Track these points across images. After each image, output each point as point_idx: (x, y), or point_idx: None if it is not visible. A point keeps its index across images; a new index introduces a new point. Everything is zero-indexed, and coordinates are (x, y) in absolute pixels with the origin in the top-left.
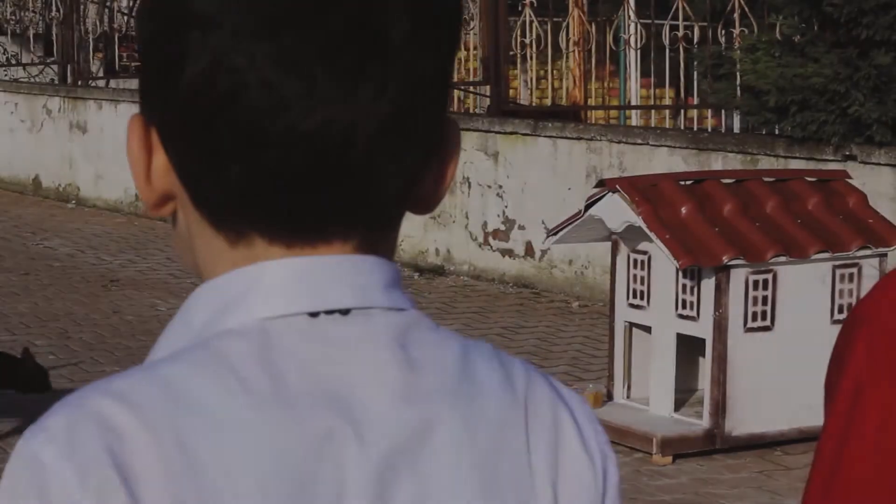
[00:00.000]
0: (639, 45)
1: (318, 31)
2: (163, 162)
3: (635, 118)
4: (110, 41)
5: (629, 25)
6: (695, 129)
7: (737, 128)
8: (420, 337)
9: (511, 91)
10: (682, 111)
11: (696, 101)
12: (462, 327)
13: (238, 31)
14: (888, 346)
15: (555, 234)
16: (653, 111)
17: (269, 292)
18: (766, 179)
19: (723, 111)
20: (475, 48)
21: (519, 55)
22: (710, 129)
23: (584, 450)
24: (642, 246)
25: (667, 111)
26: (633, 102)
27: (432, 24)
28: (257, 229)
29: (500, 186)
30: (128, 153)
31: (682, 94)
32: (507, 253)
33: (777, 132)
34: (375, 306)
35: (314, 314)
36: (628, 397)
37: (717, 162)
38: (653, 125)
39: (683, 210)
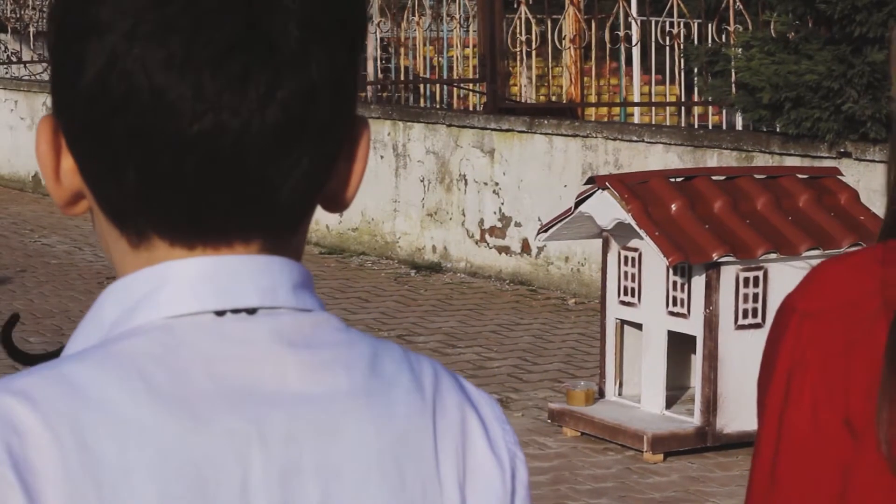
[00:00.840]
0: (635, 43)
1: (208, 38)
2: (71, 163)
3: (637, 115)
4: None
5: (629, 23)
6: (695, 125)
7: (739, 125)
8: (328, 338)
9: (514, 88)
10: (685, 108)
11: (697, 98)
12: (457, 324)
13: (130, 36)
14: (816, 334)
15: (545, 230)
16: (652, 108)
17: (176, 291)
18: (757, 176)
19: (723, 109)
20: (473, 46)
21: (520, 53)
22: (710, 126)
23: (491, 451)
24: (633, 243)
25: (667, 108)
26: (636, 99)
27: (326, 30)
28: (157, 232)
29: (497, 184)
30: (36, 153)
31: (682, 92)
32: (504, 250)
33: (776, 129)
34: (282, 306)
35: (220, 313)
36: (620, 395)
37: (713, 159)
38: (654, 122)
39: (673, 207)
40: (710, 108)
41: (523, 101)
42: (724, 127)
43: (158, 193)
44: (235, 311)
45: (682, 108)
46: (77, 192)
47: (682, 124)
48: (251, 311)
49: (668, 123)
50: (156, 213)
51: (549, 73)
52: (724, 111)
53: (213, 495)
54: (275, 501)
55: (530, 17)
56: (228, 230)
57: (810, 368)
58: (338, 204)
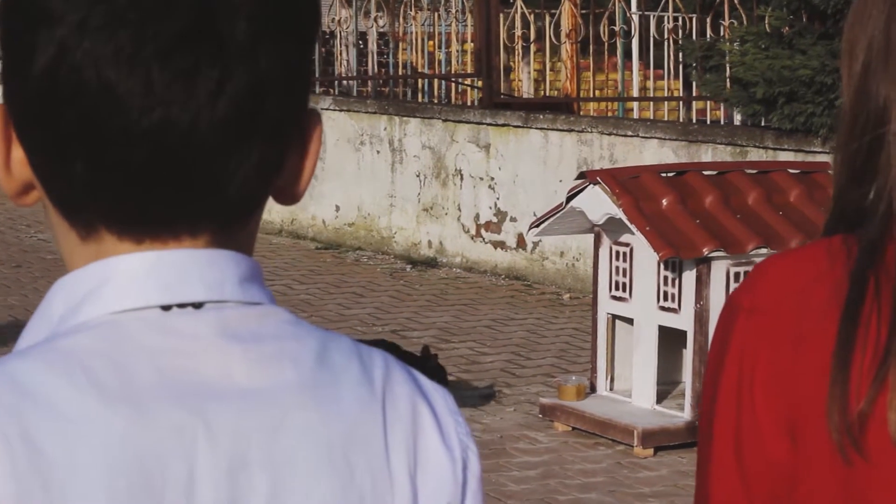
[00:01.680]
0: (630, 37)
1: (156, 32)
2: (22, 153)
3: (637, 111)
4: None
5: (630, 17)
6: (693, 120)
7: (738, 120)
8: (275, 331)
9: (517, 83)
10: (684, 103)
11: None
12: (451, 319)
13: (80, 29)
14: (764, 330)
15: (537, 225)
16: (651, 104)
17: (122, 286)
18: (748, 171)
19: (722, 104)
20: (472, 41)
21: (517, 48)
22: (708, 122)
23: (442, 442)
24: (624, 238)
25: (665, 104)
26: (635, 94)
27: (275, 24)
28: (105, 225)
29: (492, 178)
30: None
31: (682, 87)
32: (499, 245)
33: (771, 124)
34: (229, 300)
35: (166, 307)
36: (611, 389)
37: (707, 154)
38: (653, 117)
39: (664, 202)
40: (710, 103)
41: (525, 96)
42: (724, 122)
43: (107, 186)
44: (181, 306)
45: (681, 104)
46: (27, 182)
47: (682, 119)
48: (197, 306)
49: (668, 119)
50: (104, 206)
51: (546, 68)
52: (721, 106)
53: (160, 490)
54: (222, 495)
55: (526, 11)
56: (176, 223)
57: (759, 365)
58: (289, 197)
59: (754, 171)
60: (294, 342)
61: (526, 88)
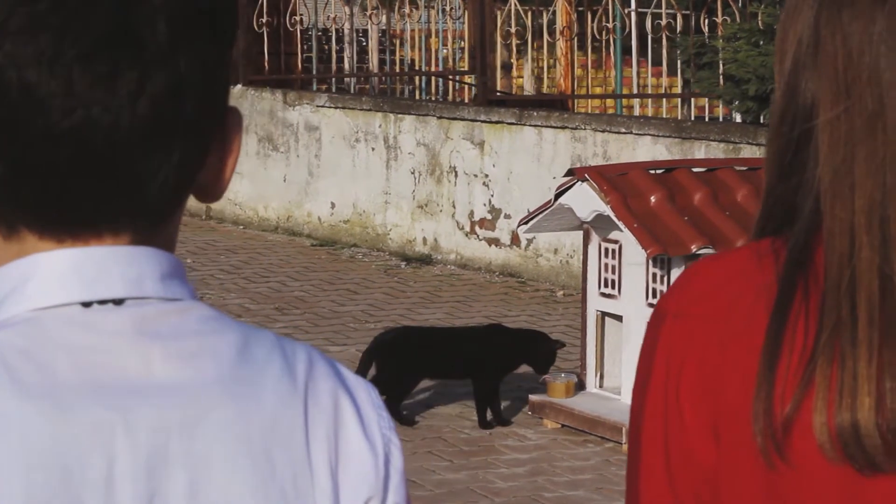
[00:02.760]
0: (623, 34)
1: (76, 34)
2: None
3: (637, 108)
4: None
5: (624, 14)
6: (691, 117)
7: (739, 118)
8: (196, 327)
9: (520, 80)
10: (682, 100)
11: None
12: (445, 316)
13: (1, 31)
14: (691, 335)
15: (526, 222)
16: (649, 100)
17: (43, 283)
18: (737, 168)
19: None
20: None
21: (512, 45)
22: (706, 119)
23: (364, 437)
24: (613, 235)
25: (664, 100)
26: (634, 91)
27: (194, 25)
28: (27, 224)
29: (487, 175)
30: None
31: (681, 84)
32: (494, 242)
33: (765, 121)
34: (150, 296)
35: (87, 304)
36: (601, 387)
37: (701, 151)
38: (654, 115)
39: (653, 199)
40: (709, 100)
41: (527, 93)
42: (724, 119)
43: (28, 186)
44: (102, 303)
45: (681, 100)
46: None
47: (682, 116)
48: (118, 302)
49: (665, 116)
50: (25, 206)
51: (544, 64)
52: (720, 104)
53: (79, 486)
54: (141, 491)
55: (519, 8)
56: (98, 223)
57: (686, 368)
58: (210, 195)
59: (743, 168)
60: (214, 337)
61: (528, 85)
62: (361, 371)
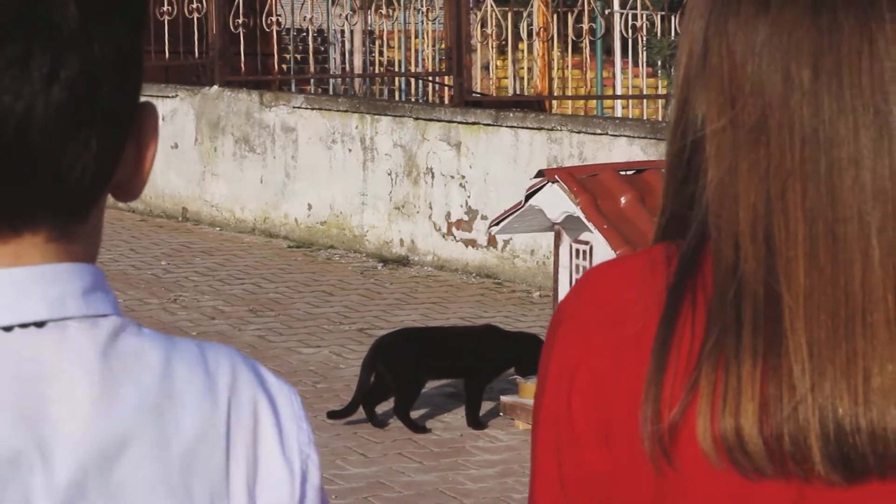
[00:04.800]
0: (599, 36)
1: None
2: None
3: (619, 109)
4: None
5: (606, 15)
6: (659, 119)
7: None
8: (119, 346)
9: (505, 81)
10: (667, 101)
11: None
12: (420, 318)
13: None
14: (585, 342)
15: (497, 223)
16: (630, 101)
17: None
18: None
19: None
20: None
21: (489, 45)
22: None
23: (282, 454)
24: (584, 236)
25: (643, 101)
26: (618, 92)
27: (106, 9)
28: None
29: (463, 177)
30: None
31: (667, 83)
32: (470, 243)
33: None
34: (71, 316)
35: (8, 328)
36: None
37: None
38: (638, 116)
39: (623, 200)
40: None
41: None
42: None
43: None
44: (24, 326)
45: (661, 102)
46: None
47: (662, 117)
48: (40, 325)
49: (638, 117)
50: None
51: (524, 65)
52: None
53: None
54: None
55: (496, 10)
56: (15, 217)
57: (578, 374)
58: (129, 192)
59: None
60: (136, 360)
61: (512, 86)
62: (363, 380)
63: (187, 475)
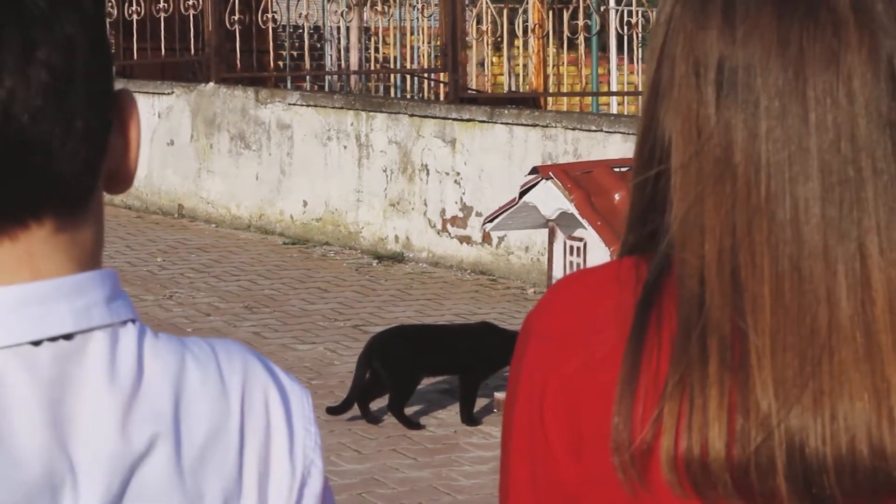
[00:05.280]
0: (594, 33)
1: None
2: None
3: (614, 106)
4: None
5: (602, 12)
6: None
7: None
8: (141, 353)
9: (500, 78)
10: None
11: None
12: (414, 315)
13: None
14: (553, 357)
15: (491, 220)
16: (625, 98)
17: None
18: None
19: None
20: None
21: (487, 42)
22: None
23: (288, 455)
24: (578, 233)
25: (626, 97)
26: (614, 89)
27: None
28: None
29: (458, 173)
30: None
31: None
32: (465, 240)
33: None
34: (97, 326)
35: (37, 343)
36: None
37: None
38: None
39: (617, 196)
40: None
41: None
42: None
43: None
44: (52, 340)
45: None
46: None
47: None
48: (68, 337)
49: (632, 114)
50: None
51: (520, 61)
52: None
53: None
54: None
55: (491, 6)
56: (18, 207)
57: (548, 389)
58: (120, 181)
59: None
60: (155, 366)
61: (508, 83)
62: (358, 377)
63: (201, 477)
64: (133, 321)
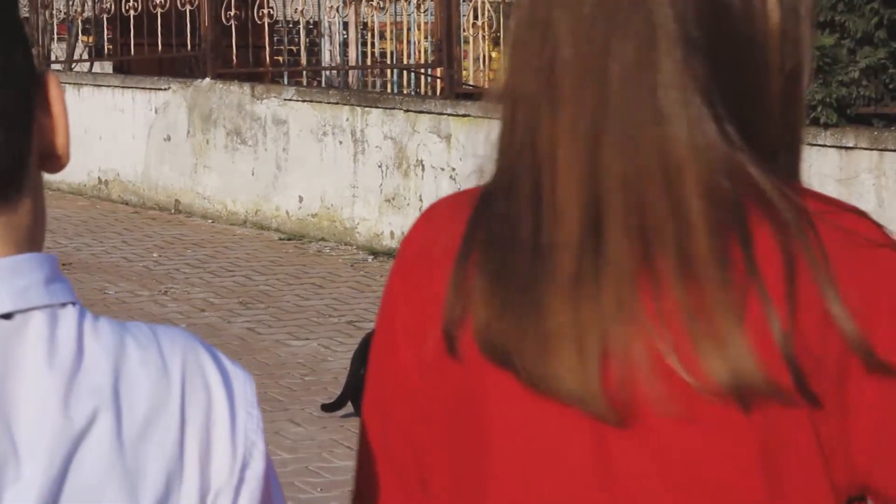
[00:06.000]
0: None
1: None
2: None
3: None
4: (72, 26)
5: None
6: None
7: None
8: (81, 334)
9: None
10: None
11: None
12: None
13: None
14: (407, 273)
15: None
16: None
17: None
18: None
19: None
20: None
21: (482, 37)
22: None
23: (230, 436)
24: None
25: None
26: None
27: None
28: None
29: (454, 169)
30: None
31: None
32: None
33: None
34: (35, 306)
35: None
36: None
37: None
38: None
39: None
40: None
41: (474, 85)
42: None
43: None
44: None
45: None
46: None
47: None
48: (7, 317)
49: None
50: None
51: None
52: None
53: None
54: None
55: (487, 1)
56: None
57: (399, 304)
58: (55, 158)
59: None
60: (94, 346)
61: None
62: (353, 373)
63: (142, 454)
64: (73, 304)
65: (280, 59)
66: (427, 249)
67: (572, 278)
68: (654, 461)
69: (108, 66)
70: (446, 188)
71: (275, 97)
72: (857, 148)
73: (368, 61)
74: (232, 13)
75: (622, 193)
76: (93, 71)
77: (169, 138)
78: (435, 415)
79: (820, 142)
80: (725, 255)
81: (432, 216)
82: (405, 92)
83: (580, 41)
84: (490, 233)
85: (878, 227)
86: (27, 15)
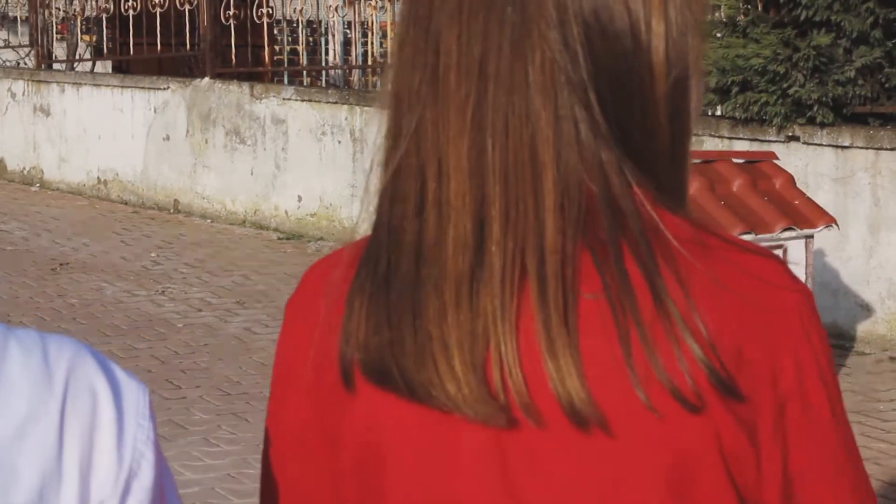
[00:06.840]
0: None
1: None
2: None
3: None
4: (74, 25)
5: None
6: None
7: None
8: None
9: None
10: None
11: None
12: None
13: None
14: (299, 307)
15: None
16: None
17: None
18: (692, 161)
19: None
20: None
21: None
22: None
23: (116, 445)
24: None
25: None
26: None
27: None
28: None
29: None
30: None
31: None
32: None
33: (720, 113)
34: None
35: None
36: None
37: None
38: None
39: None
40: None
41: None
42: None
43: None
44: None
45: None
46: None
47: None
48: None
49: None
50: None
51: None
52: None
53: None
54: None
55: None
56: None
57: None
58: None
59: (698, 161)
60: None
61: None
62: None
63: (15, 455)
64: None
65: (280, 58)
66: (319, 288)
67: (456, 280)
68: (549, 463)
69: (107, 66)
70: None
71: (274, 97)
72: (853, 147)
73: (369, 61)
74: (231, 12)
75: (504, 191)
76: (93, 71)
77: (168, 138)
78: (343, 465)
79: (816, 141)
80: (572, 259)
81: (327, 261)
82: None
83: (461, 35)
84: (376, 244)
85: (786, 271)
86: (27, 15)
